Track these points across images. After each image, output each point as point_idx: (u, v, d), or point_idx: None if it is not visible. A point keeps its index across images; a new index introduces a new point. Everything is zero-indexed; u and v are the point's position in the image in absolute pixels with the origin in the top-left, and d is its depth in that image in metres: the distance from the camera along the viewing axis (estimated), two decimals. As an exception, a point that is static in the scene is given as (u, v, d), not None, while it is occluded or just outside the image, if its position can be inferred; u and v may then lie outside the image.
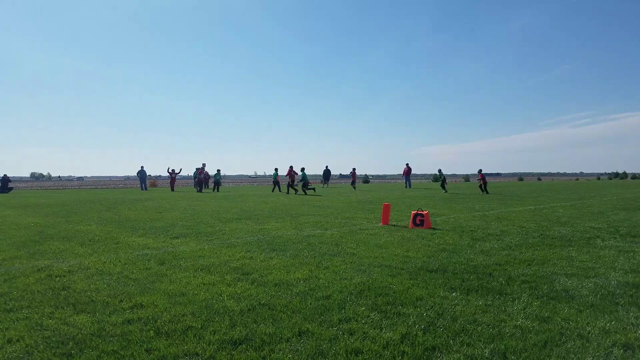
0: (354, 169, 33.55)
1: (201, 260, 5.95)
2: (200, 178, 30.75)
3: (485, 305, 3.95)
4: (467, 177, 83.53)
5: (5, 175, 32.46)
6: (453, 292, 4.34)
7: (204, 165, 31.87)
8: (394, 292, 4.35)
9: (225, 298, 4.16)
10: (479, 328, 3.38)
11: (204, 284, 4.67)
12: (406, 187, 34.45)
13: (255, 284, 4.70)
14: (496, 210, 13.49)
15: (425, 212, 9.28)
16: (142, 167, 33.44)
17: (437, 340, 3.14)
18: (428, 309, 3.84)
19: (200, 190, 29.40)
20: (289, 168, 27.28)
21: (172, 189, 30.73)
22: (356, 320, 3.58)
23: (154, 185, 42.00)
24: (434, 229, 9.03)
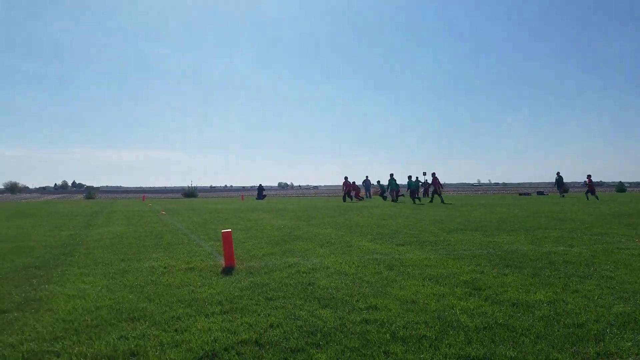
0: (588, 176, 28.56)
1: (428, 269, 5.93)
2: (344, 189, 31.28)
3: None
4: None
5: (260, 184, 39.50)
6: None
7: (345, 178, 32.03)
8: (674, 331, 3.47)
9: (458, 312, 4.02)
10: None
11: (434, 294, 4.63)
12: None
13: (490, 301, 4.40)
14: None
15: None
16: (367, 176, 35.78)
17: None
18: None
19: (344, 200, 29.97)
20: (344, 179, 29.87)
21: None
22: (621, 357, 2.98)
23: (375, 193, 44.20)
24: None
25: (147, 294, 4.82)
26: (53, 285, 5.29)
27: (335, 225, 12.17)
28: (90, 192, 62.11)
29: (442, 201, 25.86)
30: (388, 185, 29.66)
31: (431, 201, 26.12)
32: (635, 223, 11.81)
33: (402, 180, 29.07)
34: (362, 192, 32.54)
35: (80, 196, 69.36)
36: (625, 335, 3.39)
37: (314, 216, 15.67)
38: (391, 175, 29.33)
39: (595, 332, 3.47)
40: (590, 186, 28.32)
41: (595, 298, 4.44)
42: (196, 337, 3.46)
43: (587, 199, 27.34)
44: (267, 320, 3.84)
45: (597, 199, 27.34)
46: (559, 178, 31.99)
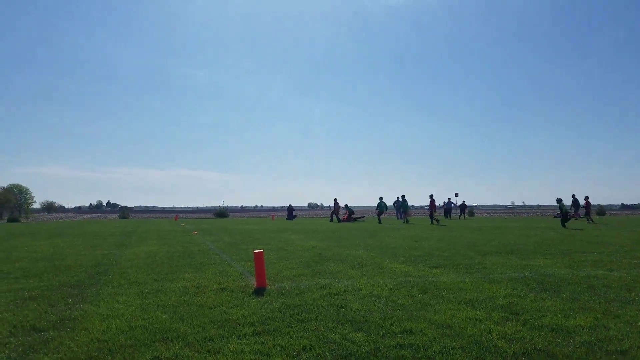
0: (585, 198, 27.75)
1: (463, 293, 5.81)
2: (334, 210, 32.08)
3: None
4: None
5: (290, 205, 39.66)
6: None
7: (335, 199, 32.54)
8: None
9: (495, 337, 3.92)
10: None
11: (469, 319, 4.53)
12: None
13: (528, 326, 4.28)
14: None
15: None
16: (398, 197, 35.49)
17: None
18: None
19: (331, 221, 30.96)
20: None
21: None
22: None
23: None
24: None
25: (180, 314, 4.90)
26: (88, 304, 5.44)
27: (366, 246, 12.10)
28: (124, 212, 63.99)
29: (432, 222, 26.08)
30: (377, 206, 30.03)
31: (432, 223, 26.14)
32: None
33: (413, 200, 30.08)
34: (342, 214, 32.94)
35: (115, 216, 71.45)
36: (673, 365, 3.24)
37: (345, 237, 15.63)
38: (380, 198, 29.87)
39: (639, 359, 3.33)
40: (587, 208, 27.60)
41: (638, 324, 4.27)
42: (229, 359, 3.49)
43: (588, 221, 26.31)
44: (300, 343, 3.84)
45: (589, 221, 26.42)
46: (575, 201, 29.31)
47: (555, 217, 32.48)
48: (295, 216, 39.62)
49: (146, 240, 15.20)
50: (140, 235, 18.00)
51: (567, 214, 22.03)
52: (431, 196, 27.74)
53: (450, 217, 38.08)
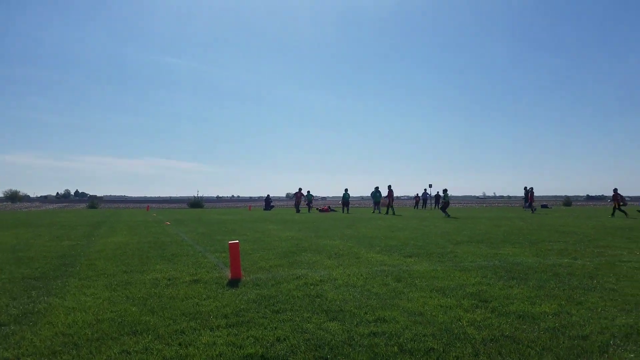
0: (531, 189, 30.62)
1: (435, 281, 5.94)
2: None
3: None
4: None
5: (268, 195, 39.59)
6: None
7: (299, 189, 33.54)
8: (679, 343, 3.48)
9: (465, 324, 4.03)
10: None
11: (441, 306, 4.64)
12: None
13: (496, 312, 4.41)
14: None
15: None
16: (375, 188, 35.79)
17: None
18: None
19: (298, 211, 31.61)
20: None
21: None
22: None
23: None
24: None
25: (151, 306, 4.80)
26: (52, 297, 5.26)
27: (343, 236, 12.19)
28: (93, 202, 62.14)
29: (387, 212, 28.01)
30: (372, 196, 31.33)
31: (386, 213, 28.22)
32: (636, 236, 11.78)
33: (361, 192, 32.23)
34: (303, 203, 33.78)
35: (83, 205, 69.37)
36: (628, 347, 3.41)
37: (322, 227, 15.69)
38: (345, 190, 31.70)
39: (600, 344, 3.49)
40: (530, 199, 30.43)
41: (599, 310, 4.46)
42: (200, 352, 3.43)
43: (532, 211, 29.35)
44: (274, 334, 3.83)
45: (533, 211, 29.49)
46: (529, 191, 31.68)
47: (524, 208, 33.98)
48: (273, 206, 39.51)
49: (116, 231, 14.87)
50: (110, 226, 17.61)
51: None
52: (389, 187, 29.44)
53: (425, 207, 38.88)
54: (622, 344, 3.48)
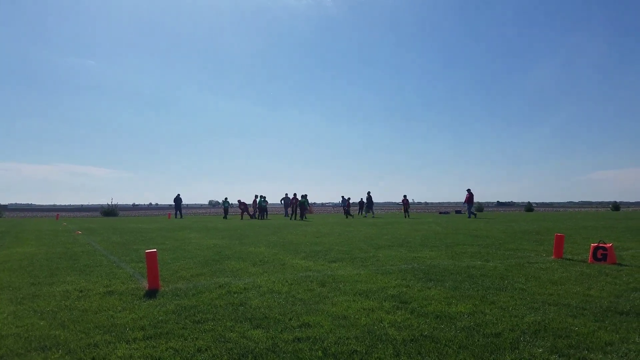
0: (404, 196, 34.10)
1: (359, 285, 6.05)
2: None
3: None
4: None
5: (178, 195, 36.19)
6: (657, 343, 3.63)
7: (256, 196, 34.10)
8: (576, 335, 3.82)
9: (386, 325, 4.13)
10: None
11: (363, 309, 4.73)
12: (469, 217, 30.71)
13: (415, 313, 4.58)
14: None
15: (608, 245, 8.05)
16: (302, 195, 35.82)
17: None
18: (621, 356, 3.29)
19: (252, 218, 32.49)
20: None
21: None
22: (533, 364, 3.23)
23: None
24: (620, 264, 7.76)
25: (61, 320, 4.45)
26: (-52, 314, 4.71)
27: (268, 243, 12.06)
28: (-6, 211, 56.42)
29: (296, 218, 30.41)
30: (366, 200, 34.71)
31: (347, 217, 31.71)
32: (542, 239, 12.89)
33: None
34: (250, 210, 34.16)
35: (-17, 215, 62.88)
36: (537, 343, 3.67)
37: (247, 235, 15.42)
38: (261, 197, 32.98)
39: (511, 340, 3.72)
40: (406, 205, 33.92)
41: (510, 309, 4.78)
42: (117, 365, 3.24)
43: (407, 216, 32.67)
44: (195, 345, 3.69)
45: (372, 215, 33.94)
46: (369, 198, 34.61)
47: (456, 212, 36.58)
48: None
49: (22, 241, 13.59)
50: (15, 236, 16.05)
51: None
52: (343, 197, 33.78)
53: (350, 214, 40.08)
54: (531, 340, 3.74)
